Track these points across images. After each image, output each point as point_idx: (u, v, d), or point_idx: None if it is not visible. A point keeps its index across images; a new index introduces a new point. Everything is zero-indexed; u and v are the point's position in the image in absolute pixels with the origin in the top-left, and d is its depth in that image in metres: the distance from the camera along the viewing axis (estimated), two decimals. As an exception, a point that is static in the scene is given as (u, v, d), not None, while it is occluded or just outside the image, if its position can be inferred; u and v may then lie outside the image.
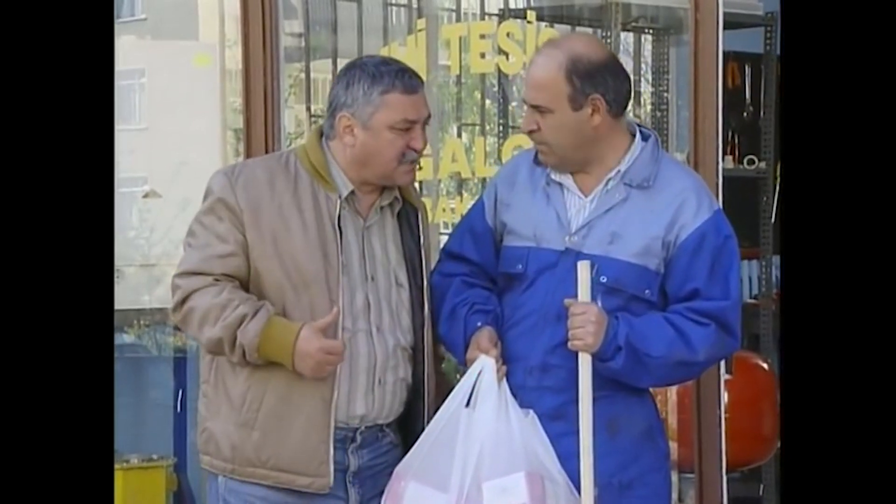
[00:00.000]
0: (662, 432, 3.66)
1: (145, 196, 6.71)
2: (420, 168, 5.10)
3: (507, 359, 3.50)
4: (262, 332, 3.36)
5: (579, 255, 3.46)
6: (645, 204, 3.48)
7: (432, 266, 3.65)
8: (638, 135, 3.55)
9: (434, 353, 3.59)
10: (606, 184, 3.50)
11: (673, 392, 5.10)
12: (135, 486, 5.93)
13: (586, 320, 3.37)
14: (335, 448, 3.45)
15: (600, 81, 3.45)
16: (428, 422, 3.50)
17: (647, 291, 3.47)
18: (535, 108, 3.48)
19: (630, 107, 6.28)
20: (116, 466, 5.87)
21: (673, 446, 5.11)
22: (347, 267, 3.46)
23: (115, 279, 6.16)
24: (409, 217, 3.59)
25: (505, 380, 3.46)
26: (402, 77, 3.47)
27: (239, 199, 3.43)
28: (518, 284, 3.54)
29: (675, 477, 5.40)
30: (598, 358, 3.40)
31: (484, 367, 3.44)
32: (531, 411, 3.42)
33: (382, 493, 3.48)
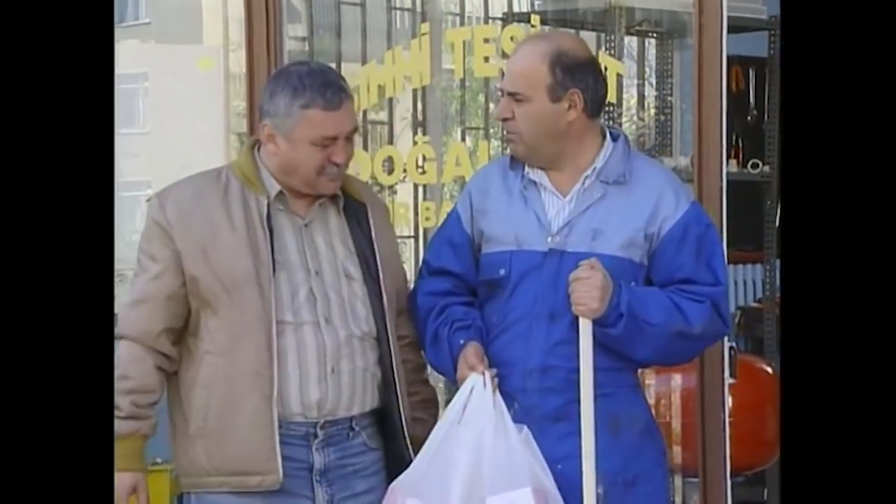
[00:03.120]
0: (658, 429, 3.70)
1: (148, 200, 6.70)
2: (424, 172, 5.14)
3: (501, 364, 3.50)
4: (120, 435, 3.39)
5: (563, 254, 3.49)
6: (623, 199, 3.52)
7: (386, 258, 3.61)
8: (608, 135, 3.60)
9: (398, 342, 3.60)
10: (583, 182, 3.54)
11: (677, 396, 5.10)
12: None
13: (591, 285, 3.39)
14: (295, 445, 3.44)
15: (581, 78, 3.50)
16: (403, 412, 3.52)
17: (632, 283, 3.50)
18: (513, 95, 3.51)
19: (634, 110, 6.30)
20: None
21: (677, 450, 5.13)
22: (286, 263, 3.47)
23: (117, 282, 6.17)
24: (357, 213, 3.59)
25: (499, 394, 3.45)
26: (325, 92, 3.43)
27: (168, 215, 3.48)
28: (502, 290, 3.55)
29: (679, 481, 5.41)
30: (599, 324, 3.42)
31: (475, 384, 3.43)
32: (525, 427, 3.42)
33: (356, 495, 3.49)
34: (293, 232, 3.52)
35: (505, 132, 3.58)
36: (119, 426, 3.40)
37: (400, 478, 3.45)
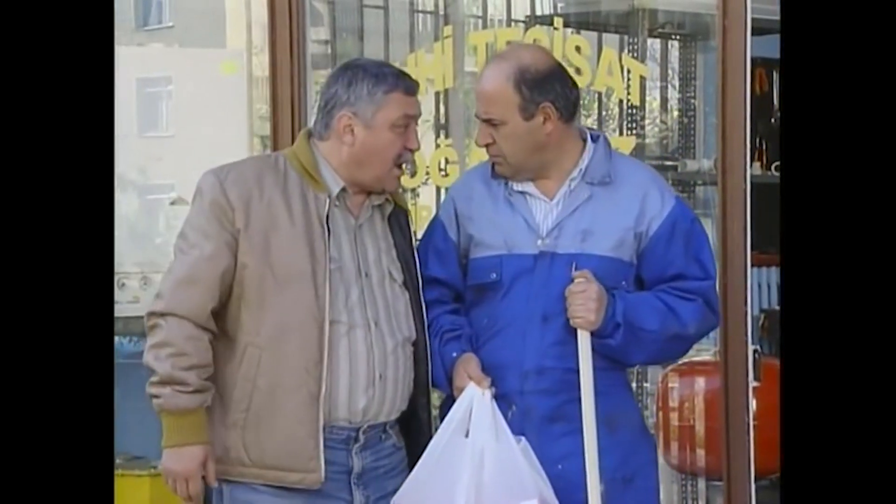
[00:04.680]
0: (647, 426, 3.80)
1: (172, 203, 6.71)
2: (447, 175, 5.14)
3: (496, 366, 3.52)
4: (179, 412, 3.41)
5: (554, 256, 3.53)
6: (609, 199, 3.56)
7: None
8: (588, 137, 3.63)
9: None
10: (570, 185, 3.58)
11: (701, 399, 5.09)
12: (162, 491, 5.88)
13: (587, 297, 3.44)
14: (337, 449, 3.46)
15: (549, 89, 3.52)
16: (430, 413, 3.54)
17: (623, 283, 3.55)
18: (488, 121, 3.55)
19: (657, 112, 6.29)
20: (144, 472, 5.89)
21: (700, 453, 5.12)
22: (340, 263, 3.48)
23: (143, 286, 6.19)
24: (399, 219, 3.63)
25: (496, 405, 3.45)
26: (404, 79, 3.55)
27: (230, 197, 3.46)
28: (493, 294, 3.58)
29: (702, 484, 5.40)
30: (597, 335, 3.47)
31: (475, 396, 3.44)
32: (522, 438, 3.44)
33: (386, 495, 3.50)
34: (347, 232, 3.53)
35: (490, 155, 3.60)
36: (189, 401, 3.41)
37: (401, 490, 3.47)
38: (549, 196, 3.58)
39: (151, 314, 3.46)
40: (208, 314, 3.44)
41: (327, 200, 3.48)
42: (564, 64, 3.77)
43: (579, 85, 3.73)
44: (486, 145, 3.57)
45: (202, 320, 3.44)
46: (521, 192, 3.59)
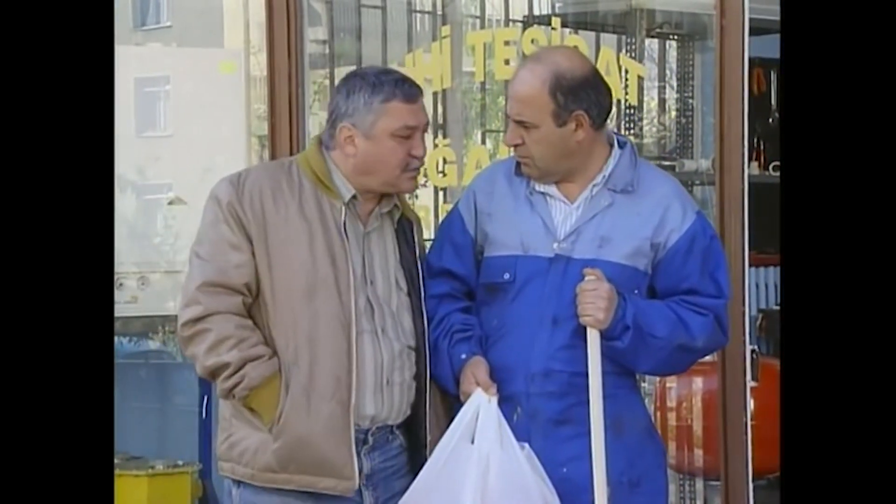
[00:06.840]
0: (657, 430, 3.77)
1: (170, 203, 6.71)
2: (445, 175, 5.15)
3: (503, 368, 3.51)
4: (265, 380, 3.43)
5: (570, 261, 3.51)
6: (630, 208, 3.54)
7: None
8: (615, 142, 3.60)
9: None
10: (591, 190, 3.56)
11: (698, 399, 5.09)
12: (160, 492, 5.93)
13: (597, 296, 3.43)
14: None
15: (584, 97, 3.49)
16: (431, 426, 3.54)
17: (636, 292, 3.53)
18: (520, 123, 3.52)
19: (654, 112, 6.30)
20: (142, 473, 5.89)
21: (698, 453, 5.12)
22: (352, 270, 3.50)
23: (141, 286, 6.19)
24: (404, 228, 3.62)
25: (500, 412, 3.45)
26: (402, 86, 3.51)
27: (245, 209, 3.47)
28: (504, 294, 3.56)
29: (700, 484, 5.41)
30: (605, 336, 3.46)
31: (482, 403, 3.44)
32: (527, 445, 3.44)
33: (395, 496, 3.50)
34: (356, 239, 3.53)
35: (517, 156, 3.58)
36: (271, 365, 3.42)
37: (407, 494, 3.47)
38: (570, 199, 3.56)
39: (189, 322, 3.47)
40: (245, 310, 3.48)
41: (343, 207, 3.50)
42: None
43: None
44: (515, 146, 3.55)
45: (243, 313, 3.47)
46: (543, 193, 3.57)
